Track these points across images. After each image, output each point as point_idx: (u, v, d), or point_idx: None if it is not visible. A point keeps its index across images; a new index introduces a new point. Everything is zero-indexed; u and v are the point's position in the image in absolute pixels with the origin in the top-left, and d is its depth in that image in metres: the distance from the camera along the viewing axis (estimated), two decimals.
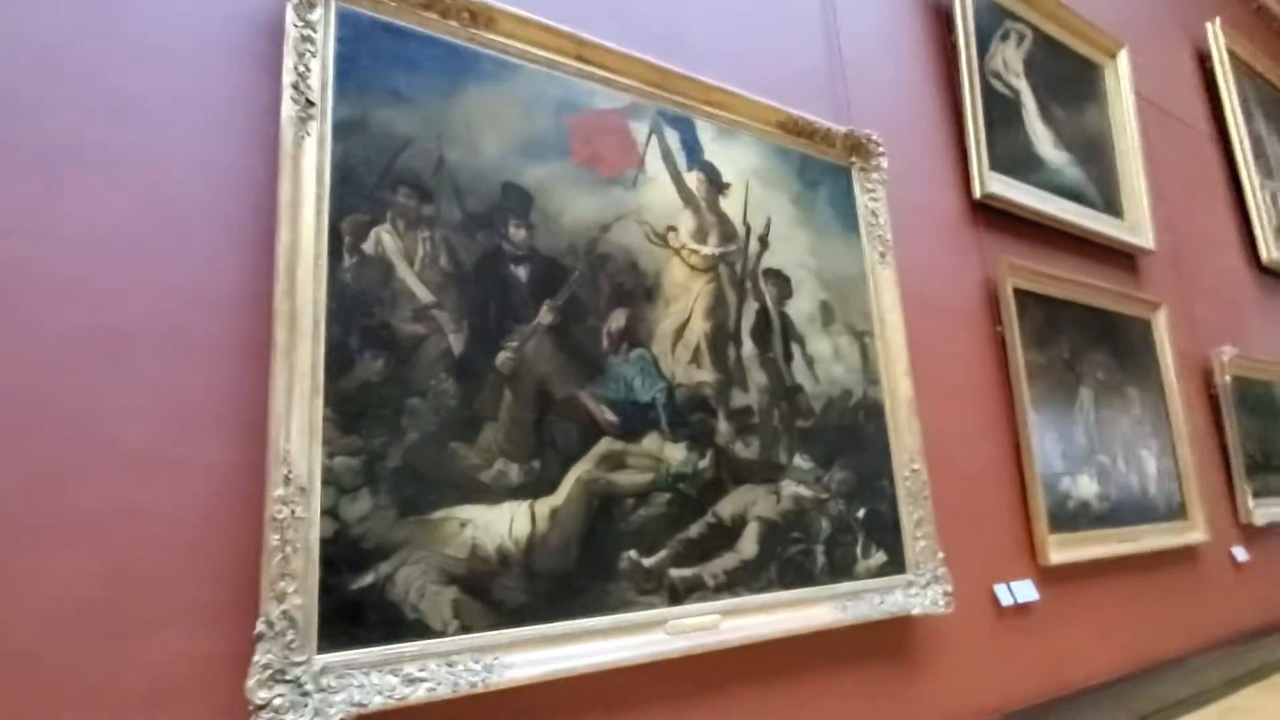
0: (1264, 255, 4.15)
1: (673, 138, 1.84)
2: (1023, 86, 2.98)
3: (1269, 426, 3.77)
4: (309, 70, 1.34)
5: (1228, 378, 3.51)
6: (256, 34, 1.36)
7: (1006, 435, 2.47)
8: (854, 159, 2.22)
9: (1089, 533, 2.57)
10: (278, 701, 1.11)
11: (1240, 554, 3.26)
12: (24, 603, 1.03)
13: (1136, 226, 3.27)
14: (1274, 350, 4.03)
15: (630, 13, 1.91)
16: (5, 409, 1.07)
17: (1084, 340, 2.86)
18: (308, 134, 1.33)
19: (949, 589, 1.99)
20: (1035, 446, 2.46)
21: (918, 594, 1.95)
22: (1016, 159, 2.83)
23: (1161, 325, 3.20)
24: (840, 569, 1.86)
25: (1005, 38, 2.96)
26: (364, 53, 1.43)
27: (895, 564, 1.96)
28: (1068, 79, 3.22)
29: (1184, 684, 2.65)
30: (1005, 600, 2.24)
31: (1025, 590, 2.31)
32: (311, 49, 1.36)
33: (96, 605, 1.07)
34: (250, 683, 1.09)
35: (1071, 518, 2.54)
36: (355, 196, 1.36)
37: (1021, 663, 2.25)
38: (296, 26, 1.34)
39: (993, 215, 2.70)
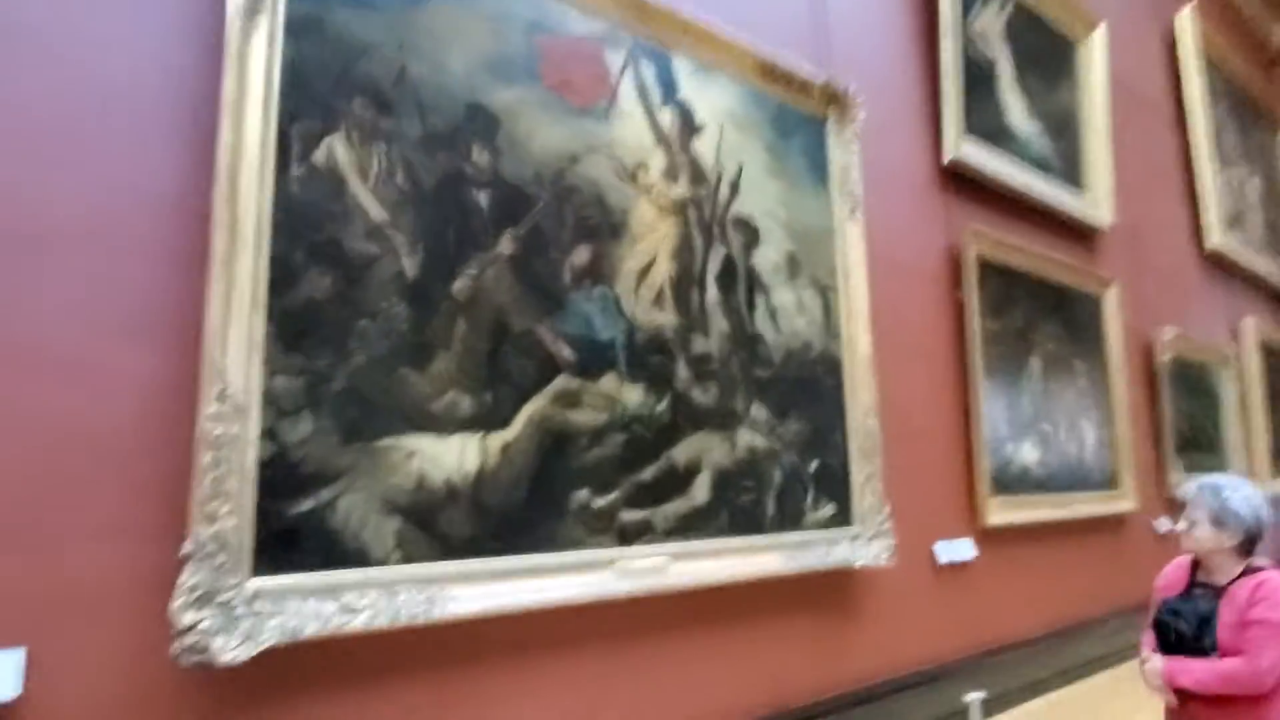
0: (1209, 241, 4.27)
1: (648, 71, 1.77)
2: (1000, 54, 2.96)
3: (1200, 406, 3.93)
4: None
5: (1167, 357, 3.62)
6: None
7: (957, 398, 2.50)
8: (830, 110, 2.17)
9: (1028, 497, 2.64)
10: (205, 624, 1.06)
11: (1164, 525, 3.40)
12: None
13: (1097, 202, 3.32)
14: (1211, 334, 4.17)
15: None
16: None
17: (1037, 311, 2.91)
18: (256, 28, 1.23)
19: (892, 543, 2.02)
20: (984, 411, 2.51)
21: (862, 547, 1.98)
22: (988, 126, 2.82)
23: (1111, 301, 3.28)
24: (790, 519, 1.87)
25: (987, 2, 2.92)
26: None
27: (843, 517, 1.98)
28: (1044, 51, 3.21)
29: (1104, 642, 2.78)
30: (944, 558, 2.30)
31: (964, 549, 2.37)
32: None
33: (9, 514, 1.00)
34: (175, 604, 1.04)
35: (1013, 482, 2.61)
36: (307, 101, 1.27)
37: (956, 618, 2.31)
38: None
39: (961, 182, 2.70)
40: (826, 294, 2.07)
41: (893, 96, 2.52)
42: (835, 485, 1.99)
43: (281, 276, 1.21)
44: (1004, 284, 2.77)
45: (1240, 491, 1.89)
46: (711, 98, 1.89)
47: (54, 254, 1.07)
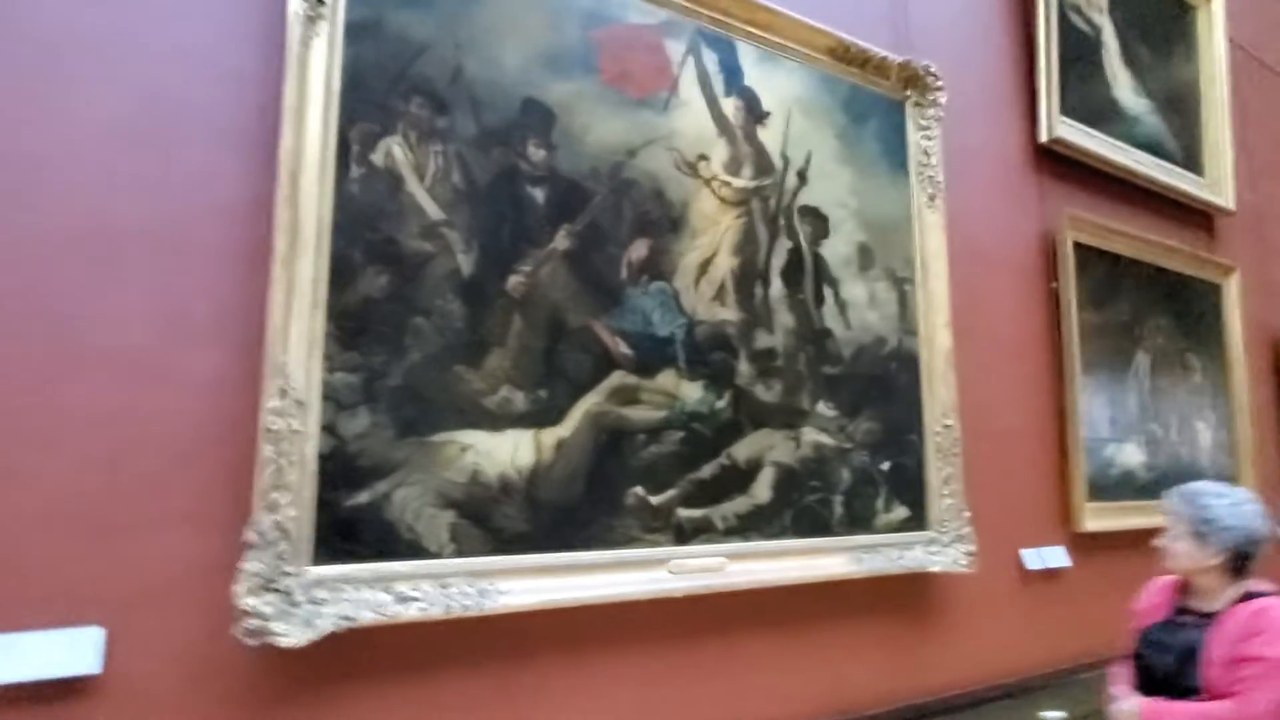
0: None
1: (710, 59, 1.73)
2: (1105, 24, 2.74)
3: None
4: None
5: None
6: None
7: (1050, 397, 2.34)
8: (909, 92, 2.07)
9: (1131, 503, 2.44)
10: (266, 609, 1.10)
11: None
12: (15, 500, 1.03)
13: (1217, 184, 3.03)
14: None
15: None
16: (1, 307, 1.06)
17: (1147, 302, 2.68)
18: (316, 34, 1.26)
19: (972, 549, 1.92)
20: (1081, 410, 2.34)
21: (939, 552, 1.88)
22: (1091, 104, 2.62)
23: (1233, 291, 2.99)
24: (859, 521, 1.80)
25: None
26: None
27: (918, 520, 1.89)
28: (1157, 19, 2.95)
29: None
30: (1033, 564, 2.16)
31: (1056, 556, 2.22)
32: None
33: (86, 505, 1.07)
34: (238, 589, 1.09)
35: (1113, 486, 2.42)
36: (365, 104, 1.30)
37: (1047, 628, 2.17)
38: None
39: (1058, 163, 2.52)
40: (903, 286, 1.97)
41: (980, 75, 2.37)
42: (910, 487, 1.89)
43: (340, 275, 1.24)
44: (1108, 273, 2.57)
45: (1227, 499, 1.53)
46: (778, 84, 1.83)
47: (129, 258, 1.14)
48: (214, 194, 1.21)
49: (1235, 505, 1.52)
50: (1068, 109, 2.50)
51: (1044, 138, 2.43)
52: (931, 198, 2.04)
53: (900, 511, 1.87)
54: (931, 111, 2.08)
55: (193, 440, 1.15)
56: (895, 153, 2.02)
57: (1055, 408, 2.34)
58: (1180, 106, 2.98)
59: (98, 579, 1.07)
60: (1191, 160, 2.98)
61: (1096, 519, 2.31)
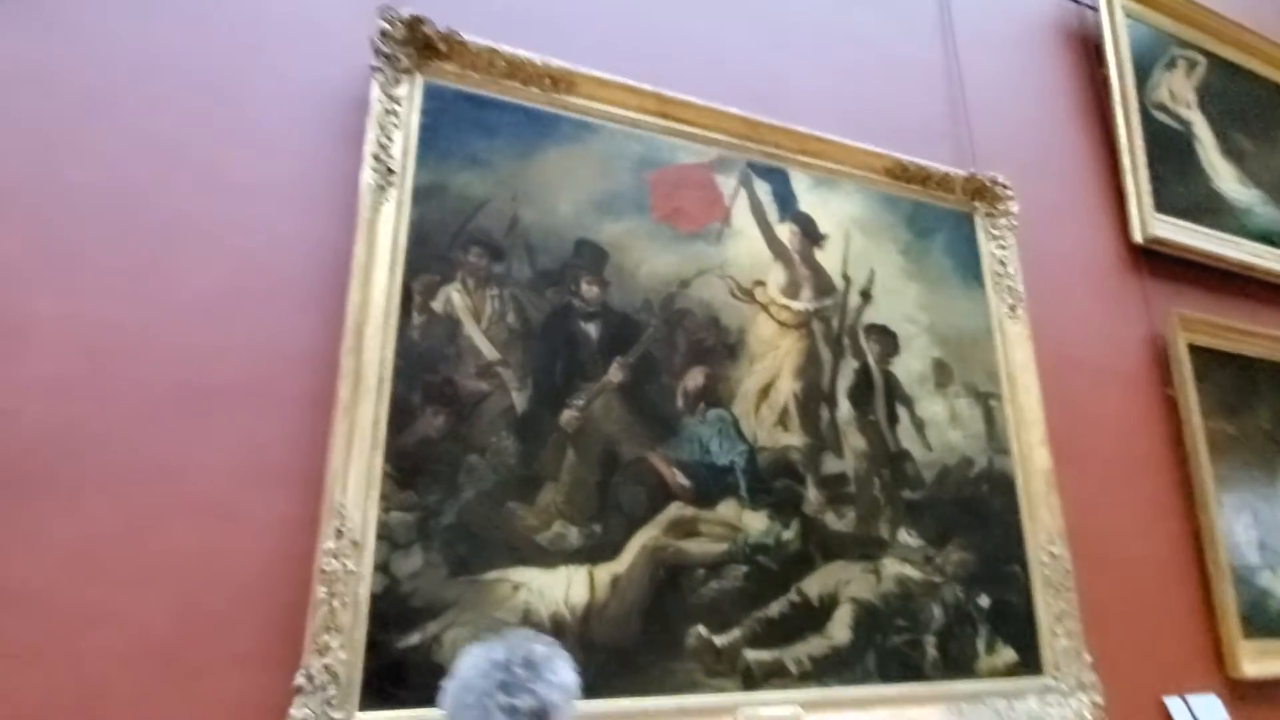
0: None
1: (763, 189, 1.77)
2: (1195, 118, 2.63)
3: None
4: (390, 141, 1.42)
5: None
6: (345, 109, 1.45)
7: (1182, 518, 2.09)
8: (977, 203, 2.03)
9: None
10: None
11: None
12: (99, 640, 1.10)
13: None
14: None
15: (723, 67, 1.88)
16: (107, 458, 1.17)
17: None
18: (386, 200, 1.39)
19: (1099, 700, 1.68)
20: (1221, 532, 2.06)
21: (1057, 702, 1.66)
22: (1191, 200, 2.47)
23: None
24: (957, 665, 1.62)
25: (1171, 66, 2.63)
26: (446, 123, 1.50)
27: (1029, 664, 1.69)
28: (1254, 107, 2.80)
29: None
30: (1180, 717, 1.85)
31: (1209, 707, 1.90)
32: (395, 121, 1.43)
33: (162, 646, 1.13)
34: None
35: (1275, 621, 2.09)
36: (428, 257, 1.41)
37: None
38: (381, 102, 1.42)
39: (1159, 263, 2.36)
40: (988, 401, 1.86)
41: (1058, 180, 2.31)
42: (1016, 625, 1.71)
43: (399, 417, 1.31)
44: (1236, 377, 2.33)
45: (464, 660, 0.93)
46: (834, 207, 1.84)
47: (216, 412, 1.24)
48: (291, 349, 1.31)
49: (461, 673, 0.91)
50: (1163, 206, 2.37)
51: (1138, 237, 2.30)
52: (1012, 308, 1.95)
53: (1006, 654, 1.67)
54: (1004, 221, 2.03)
55: (257, 580, 1.20)
56: (967, 265, 1.97)
57: (1188, 530, 2.08)
58: None
59: (168, 716, 1.10)
60: None
61: (1257, 661, 1.98)
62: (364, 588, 1.21)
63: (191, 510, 1.19)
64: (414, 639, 1.23)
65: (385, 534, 1.25)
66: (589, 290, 1.52)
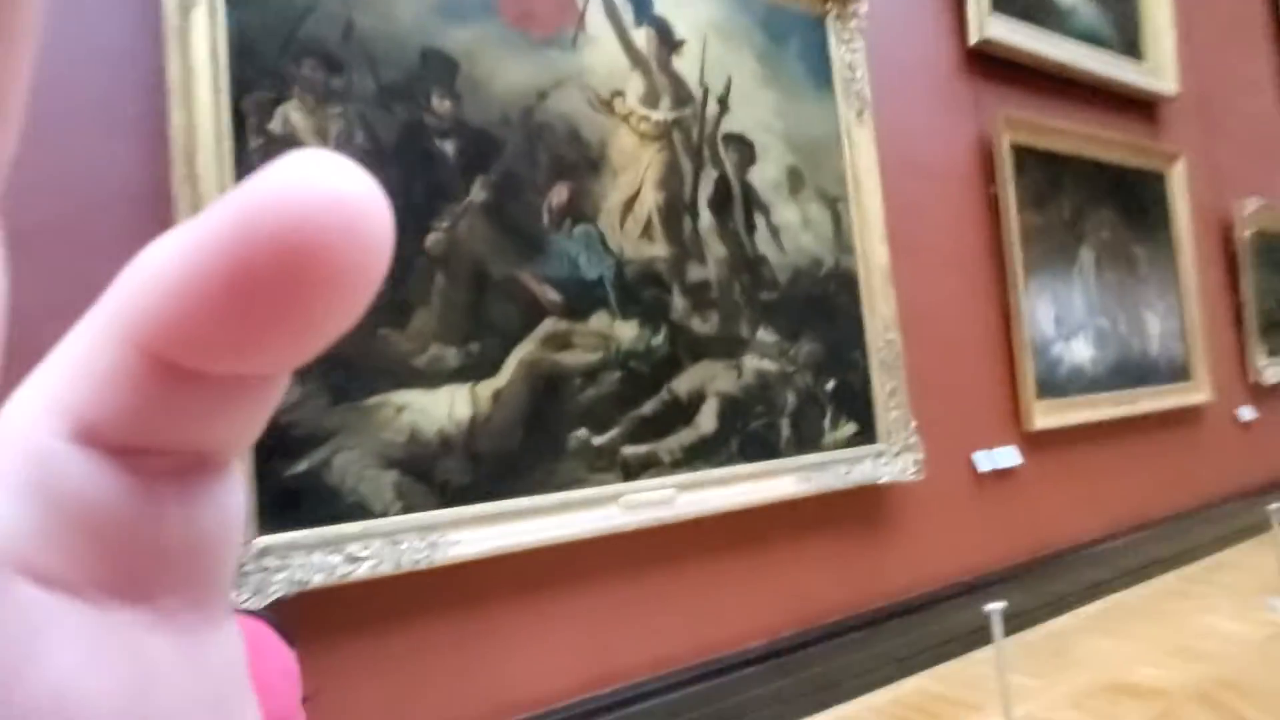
0: None
1: None
2: None
3: None
4: None
5: (1249, 232, 3.32)
6: None
7: (995, 303, 2.38)
8: (829, 5, 2.03)
9: (1080, 397, 2.51)
10: None
11: (1247, 413, 3.19)
12: None
13: (1158, 69, 3.01)
14: None
15: None
16: None
17: (1088, 198, 2.70)
18: (195, 3, 1.23)
19: (920, 456, 1.98)
20: (1025, 312, 2.38)
21: (888, 463, 1.94)
22: (1024, 1, 2.58)
23: (1178, 178, 3.01)
24: (807, 441, 1.85)
25: None
26: None
27: (866, 435, 1.94)
28: None
29: (1173, 542, 2.67)
30: (984, 466, 2.23)
31: (1007, 456, 2.29)
32: None
33: None
34: None
35: (1063, 383, 2.48)
36: (256, 72, 1.28)
37: (1001, 527, 2.26)
38: None
39: (992, 66, 2.50)
40: (836, 206, 1.98)
41: None
42: (856, 404, 1.94)
43: None
44: (1048, 172, 2.58)
45: None
46: (692, 9, 1.79)
47: (33, 255, 1.13)
48: (112, 181, 1.19)
49: None
50: (999, 8, 2.46)
51: (974, 39, 2.40)
52: (859, 113, 2.03)
53: (848, 428, 1.92)
54: (854, 24, 2.05)
55: None
56: (819, 71, 2.00)
57: (1000, 313, 2.38)
58: None
59: None
60: (1131, 47, 2.96)
61: (1046, 416, 2.38)
62: None
63: (32, 362, 1.12)
64: (302, 465, 1.25)
65: None
66: (441, 105, 1.45)
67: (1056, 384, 2.46)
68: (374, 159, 1.37)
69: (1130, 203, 2.84)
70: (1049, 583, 2.25)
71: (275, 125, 1.29)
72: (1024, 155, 2.48)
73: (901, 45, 2.26)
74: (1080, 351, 2.57)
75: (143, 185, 1.21)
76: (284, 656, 0.94)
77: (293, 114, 1.31)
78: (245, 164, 1.25)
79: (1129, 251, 2.82)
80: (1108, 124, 2.81)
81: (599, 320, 1.58)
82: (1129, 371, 2.72)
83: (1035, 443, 2.38)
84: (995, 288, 2.38)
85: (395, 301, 1.36)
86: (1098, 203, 2.73)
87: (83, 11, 1.20)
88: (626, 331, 1.61)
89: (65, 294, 1.15)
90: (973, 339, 2.31)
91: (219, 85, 1.24)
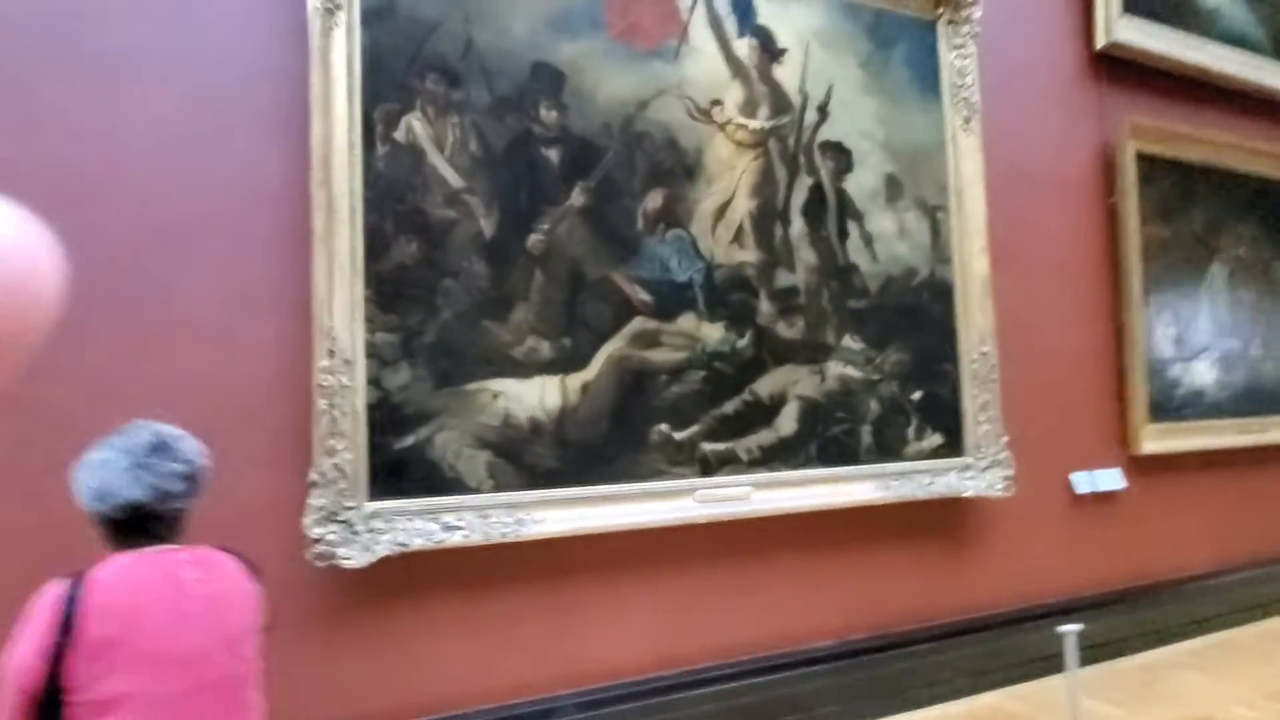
0: None
1: (721, 2, 1.74)
2: None
3: None
4: None
5: None
6: None
7: (1106, 319, 2.27)
8: (940, 10, 2.00)
9: (1198, 422, 2.37)
10: (331, 537, 1.30)
11: None
12: None
13: None
14: None
15: None
16: (96, 294, 1.25)
17: (1224, 210, 2.52)
18: (336, 25, 1.38)
19: (1009, 473, 1.94)
20: (1141, 331, 2.26)
21: (974, 477, 1.92)
22: (1162, 1, 2.43)
23: None
24: (889, 450, 1.85)
25: None
26: None
27: (953, 447, 1.92)
28: None
29: None
30: (1083, 488, 2.15)
31: (1110, 479, 2.20)
32: None
33: None
34: (307, 520, 1.29)
35: (1180, 406, 2.35)
36: (385, 85, 1.42)
37: (1097, 551, 2.17)
38: None
39: (1119, 70, 2.37)
40: (935, 215, 1.96)
41: None
42: (944, 415, 1.92)
43: (375, 246, 1.39)
44: (1178, 182, 2.43)
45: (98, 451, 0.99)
46: (794, 18, 1.82)
47: (194, 243, 1.32)
48: (258, 182, 1.36)
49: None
50: (1131, 6, 2.34)
51: (1102, 41, 2.29)
52: (967, 120, 2.00)
53: (933, 440, 1.91)
54: (966, 28, 2.01)
55: (264, 397, 1.34)
56: (926, 77, 1.98)
57: (1112, 329, 2.27)
58: None
59: (198, 514, 1.28)
60: None
61: (1157, 440, 2.26)
62: (360, 399, 1.36)
63: (189, 334, 1.30)
64: (409, 440, 1.40)
65: (373, 353, 1.38)
66: (548, 115, 1.55)
67: (1171, 407, 2.33)
68: (485, 166, 1.49)
69: (1273, 217, 2.63)
70: (1146, 612, 2.15)
71: (400, 134, 1.43)
72: (1151, 164, 2.35)
73: (1017, 50, 2.19)
74: (1202, 374, 2.41)
75: (286, 187, 1.38)
76: (248, 584, 1.07)
77: (415, 123, 1.45)
78: (371, 170, 1.40)
79: (1269, 269, 2.62)
80: (1251, 132, 2.61)
81: (686, 321, 1.65)
82: (1259, 397, 2.53)
83: (1142, 467, 2.26)
84: (1108, 303, 2.28)
85: (498, 296, 1.48)
86: (1235, 216, 2.55)
87: (240, 36, 1.37)
88: (713, 333, 1.67)
89: (220, 276, 1.34)
90: (1078, 355, 2.22)
91: (353, 97, 1.39)
